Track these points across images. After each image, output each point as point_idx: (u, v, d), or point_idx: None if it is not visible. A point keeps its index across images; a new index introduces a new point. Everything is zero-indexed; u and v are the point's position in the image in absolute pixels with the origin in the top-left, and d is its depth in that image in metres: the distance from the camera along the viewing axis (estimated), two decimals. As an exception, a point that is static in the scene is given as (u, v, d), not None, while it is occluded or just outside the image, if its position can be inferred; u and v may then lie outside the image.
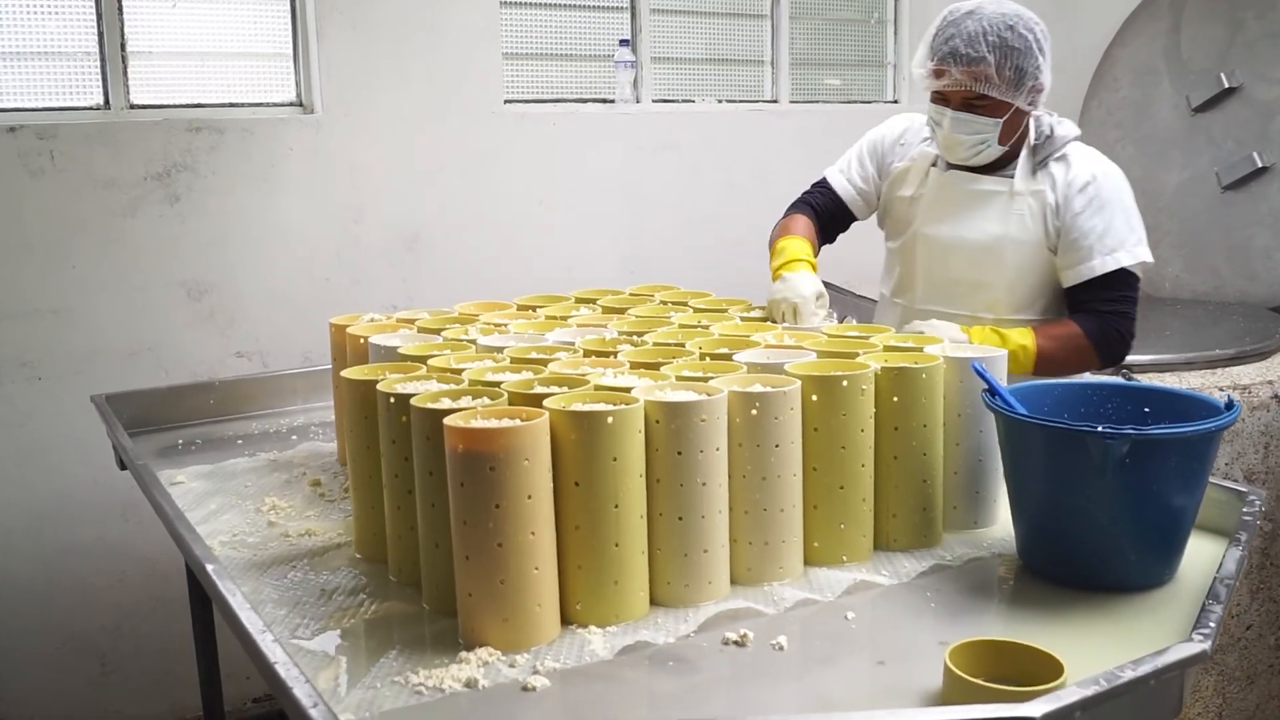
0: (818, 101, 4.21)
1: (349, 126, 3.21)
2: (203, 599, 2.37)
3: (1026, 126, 2.24)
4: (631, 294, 2.46)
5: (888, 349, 1.78)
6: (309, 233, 3.19)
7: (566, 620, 1.41)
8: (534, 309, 2.29)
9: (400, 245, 3.32)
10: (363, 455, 1.66)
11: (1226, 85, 3.77)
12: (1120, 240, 2.18)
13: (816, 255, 2.41)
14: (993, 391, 1.61)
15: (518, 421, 1.36)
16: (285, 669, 1.20)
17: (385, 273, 3.30)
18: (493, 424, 1.35)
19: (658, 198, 3.74)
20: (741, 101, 4.04)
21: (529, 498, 1.34)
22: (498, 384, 1.55)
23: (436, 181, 3.36)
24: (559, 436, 1.38)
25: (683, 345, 1.84)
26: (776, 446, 1.52)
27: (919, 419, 1.64)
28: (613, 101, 3.73)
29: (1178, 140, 3.89)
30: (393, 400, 1.52)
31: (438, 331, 2.03)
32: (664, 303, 2.33)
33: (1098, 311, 2.19)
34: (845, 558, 1.60)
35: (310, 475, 2.08)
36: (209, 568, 1.51)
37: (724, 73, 4.08)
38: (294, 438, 2.37)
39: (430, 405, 1.45)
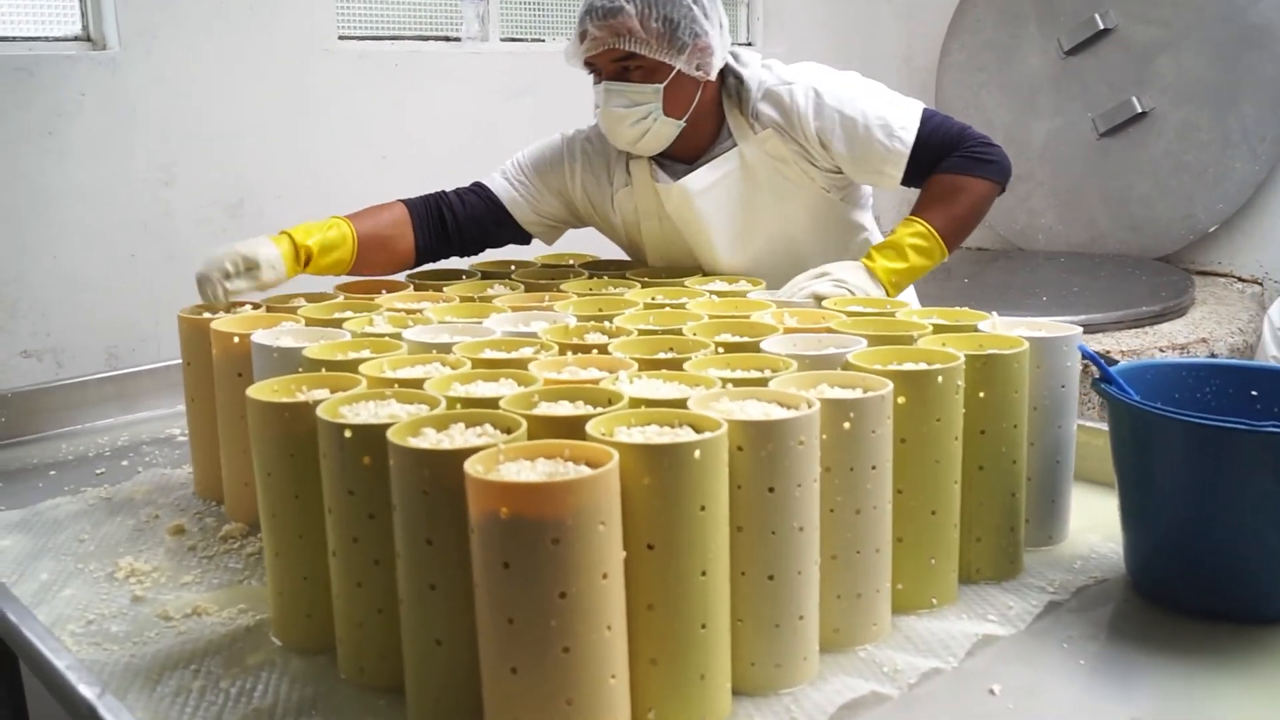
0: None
1: (152, 67, 2.59)
2: None
3: (714, 96, 1.89)
4: (543, 264, 2.02)
5: (939, 329, 1.45)
6: (107, 199, 2.56)
7: (635, 736, 1.00)
8: (436, 288, 1.82)
9: (221, 212, 2.74)
10: (288, 509, 1.17)
11: (1101, 26, 3.66)
12: (890, 113, 1.83)
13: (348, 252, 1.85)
14: (1106, 379, 1.30)
15: (584, 469, 0.93)
16: None
17: (205, 246, 2.67)
18: (551, 475, 0.92)
19: (513, 149, 3.27)
20: (599, 42, 3.61)
21: (604, 578, 0.91)
22: (491, 402, 1.11)
23: (262, 133, 2.79)
24: (625, 483, 0.96)
25: (682, 333, 1.45)
26: (873, 469, 1.15)
27: (1009, 419, 1.32)
28: (459, 40, 3.22)
29: (1048, 85, 3.76)
30: (348, 434, 1.05)
31: (332, 323, 1.55)
32: (595, 275, 1.92)
33: (943, 157, 1.84)
34: (934, 600, 1.26)
35: (166, 519, 1.55)
36: (84, 691, 1.00)
37: (574, 9, 3.64)
38: (124, 463, 1.81)
39: (423, 445, 0.99)
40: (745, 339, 1.43)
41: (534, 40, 3.46)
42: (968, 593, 1.30)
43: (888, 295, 1.78)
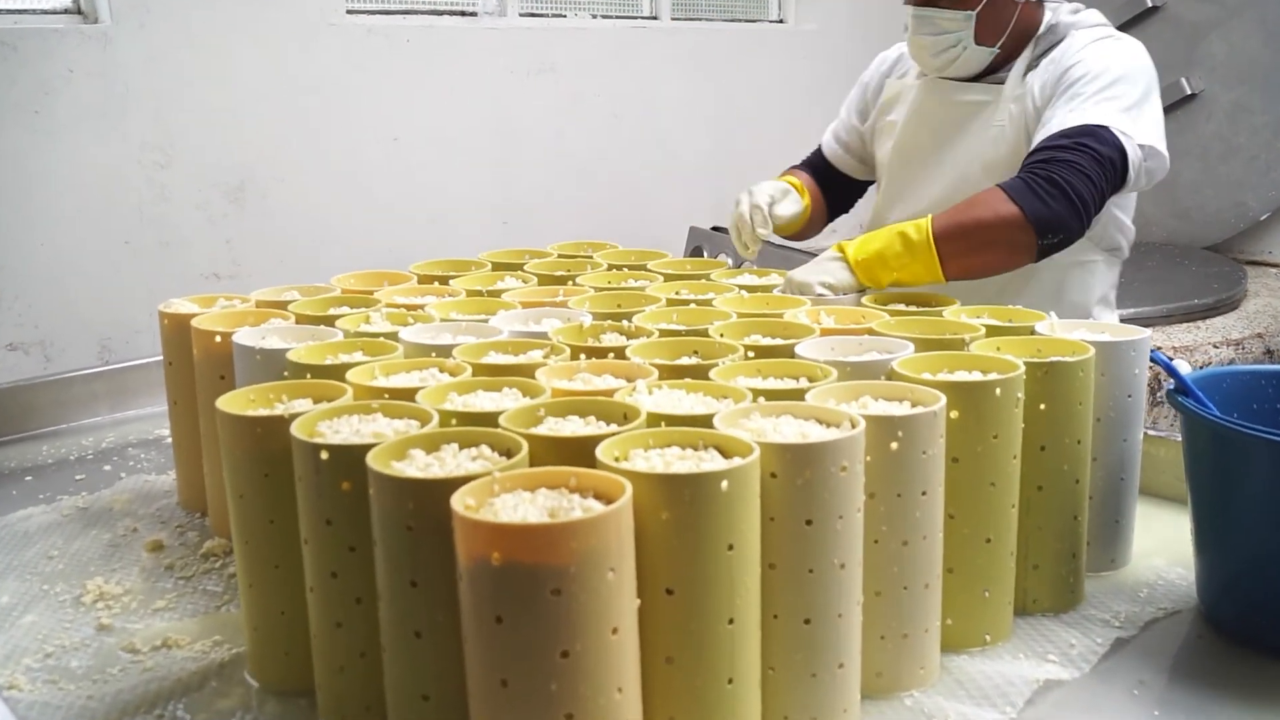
0: (699, 19, 3.69)
1: (146, 41, 2.46)
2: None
3: (1030, 19, 1.75)
4: (560, 255, 1.88)
5: (993, 331, 1.31)
6: (99, 182, 2.44)
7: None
8: (442, 280, 1.69)
9: (221, 196, 2.61)
10: (263, 536, 1.04)
11: (1149, 4, 3.47)
12: (1099, 98, 1.61)
13: (809, 200, 1.91)
14: (1183, 390, 1.16)
15: (591, 503, 0.79)
16: None
17: (203, 232, 2.58)
18: (553, 511, 0.79)
19: (533, 131, 3.15)
20: (619, 17, 3.46)
21: (614, 633, 0.78)
22: (489, 418, 0.98)
23: (264, 113, 2.66)
24: (640, 518, 0.83)
25: (708, 335, 1.31)
26: (923, 494, 1.01)
27: (1073, 434, 1.17)
28: (475, 14, 3.08)
29: (1092, 67, 3.57)
30: (324, 455, 0.92)
31: (325, 320, 1.42)
32: (614, 267, 1.78)
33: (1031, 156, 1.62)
34: (988, 637, 1.12)
35: (144, 533, 1.44)
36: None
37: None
38: (106, 468, 1.69)
39: (408, 472, 0.86)
40: (777, 341, 1.29)
41: (554, 15, 3.31)
42: (1024, 627, 1.17)
43: (857, 282, 1.56)
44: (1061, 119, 1.62)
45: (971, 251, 1.56)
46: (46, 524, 1.46)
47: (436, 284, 1.67)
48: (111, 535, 1.43)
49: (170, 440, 1.76)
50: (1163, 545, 1.34)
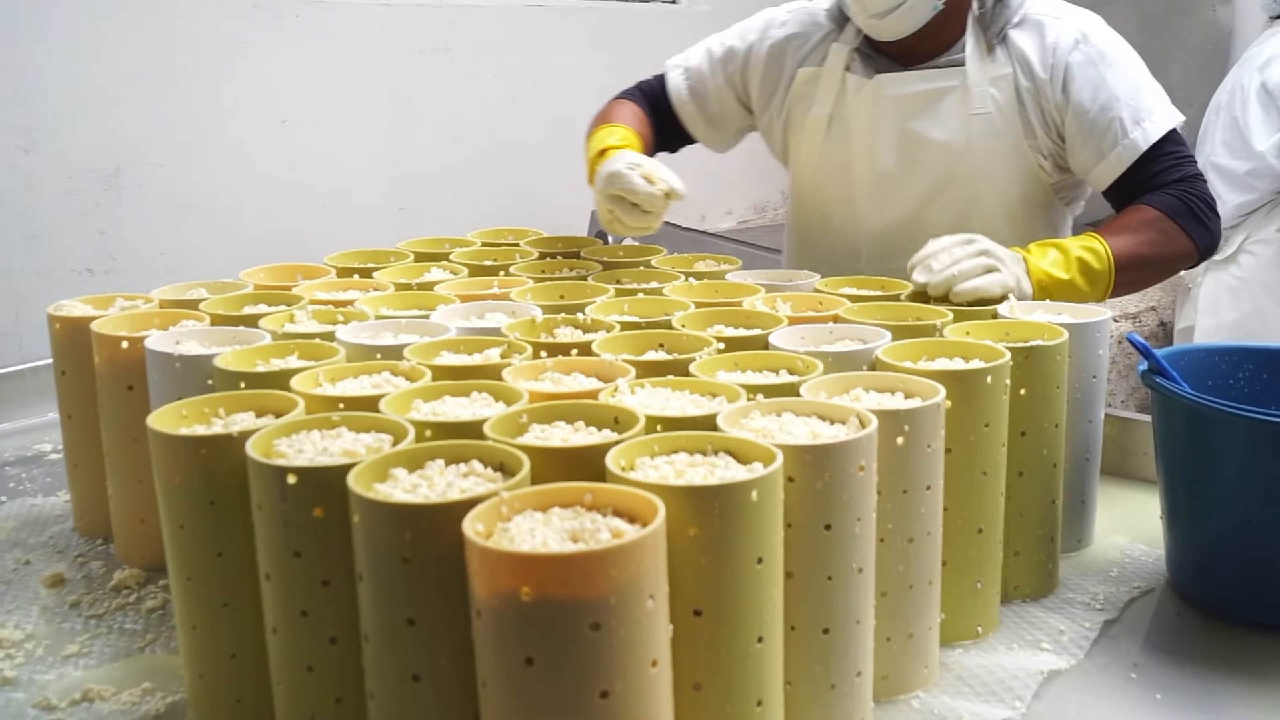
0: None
1: (5, 12, 2.22)
2: None
3: None
4: (485, 244, 1.78)
5: (961, 315, 1.28)
6: (-50, 168, 2.20)
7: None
8: (362, 273, 1.57)
9: (95, 183, 2.40)
10: (209, 571, 0.93)
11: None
12: (1149, 104, 1.58)
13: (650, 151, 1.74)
14: (1158, 371, 1.15)
15: (616, 523, 0.72)
16: None
17: (75, 223, 2.37)
18: (575, 533, 0.71)
19: (428, 112, 3.01)
20: (514, -6, 3.35)
21: (654, 665, 0.71)
22: (473, 428, 0.89)
23: (142, 93, 2.45)
24: (666, 536, 0.76)
25: (671, 325, 1.24)
26: (927, 489, 0.97)
27: (1051, 418, 1.15)
28: (364, -12, 2.92)
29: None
30: (292, 480, 0.82)
31: (243, 320, 1.29)
32: (546, 255, 1.69)
33: (1163, 188, 1.57)
34: (980, 629, 1.10)
35: (39, 566, 1.28)
36: None
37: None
38: (-16, 491, 1.52)
39: (403, 497, 0.77)
40: (745, 332, 1.23)
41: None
42: (1008, 615, 1.15)
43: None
44: (1142, 133, 1.56)
45: (1142, 282, 1.58)
46: (-76, 560, 1.30)
47: (356, 276, 1.55)
48: (2, 571, 1.27)
49: (55, 454, 1.61)
50: (1122, 524, 1.35)
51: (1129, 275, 1.51)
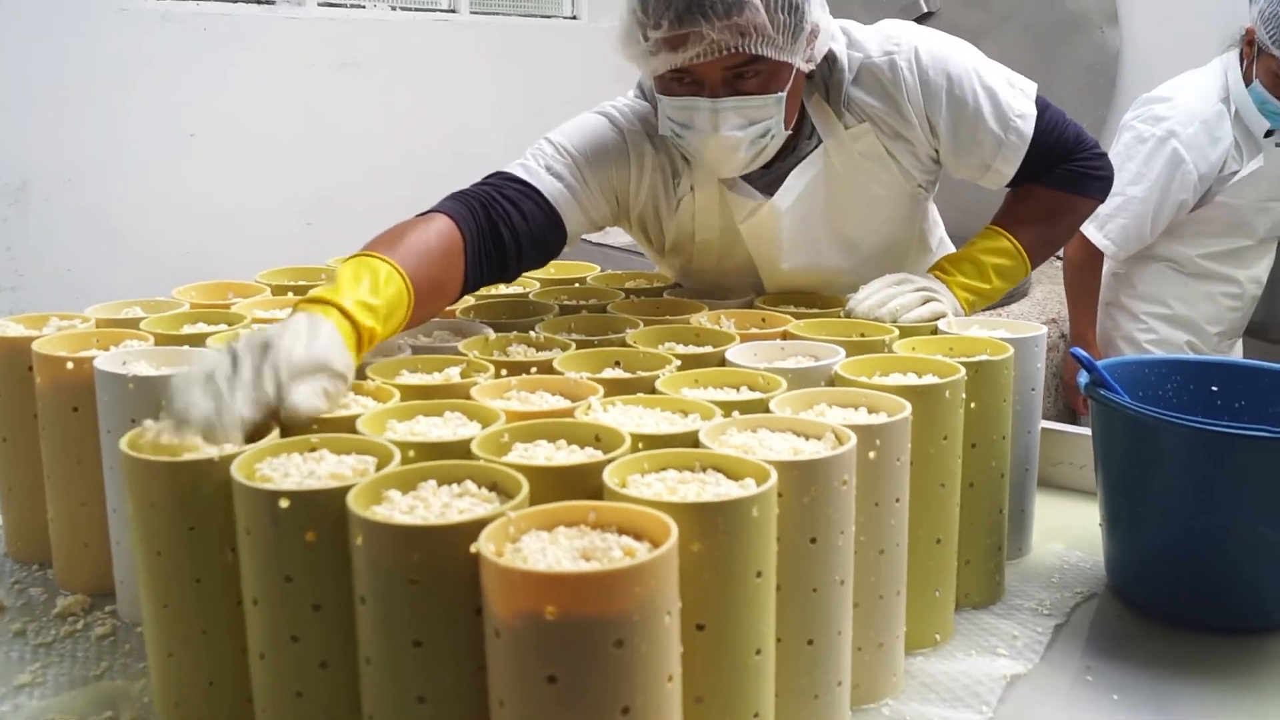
0: (498, 14, 3.59)
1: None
2: None
3: (800, 84, 1.44)
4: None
5: (904, 331, 1.33)
6: None
7: None
8: (297, 290, 1.55)
9: (0, 199, 2.29)
10: (186, 598, 0.91)
11: (925, 9, 3.66)
12: (1007, 99, 1.50)
13: (410, 312, 1.21)
14: (1101, 383, 1.21)
15: (628, 542, 0.73)
16: None
17: (-26, 238, 2.27)
18: (587, 551, 0.72)
19: (337, 126, 2.97)
20: (419, 10, 3.32)
21: (669, 680, 0.72)
22: (460, 448, 0.90)
23: (49, 107, 2.37)
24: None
25: (627, 343, 1.26)
26: (897, 501, 1.01)
27: (998, 429, 1.20)
28: (273, 2, 2.87)
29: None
30: (284, 504, 0.81)
31: (187, 340, 1.27)
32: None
33: (1052, 168, 1.56)
34: (938, 636, 1.14)
35: (-24, 594, 1.23)
36: None
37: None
38: (-100, 519, 1.44)
39: (407, 519, 0.77)
40: (695, 349, 1.26)
41: (354, 6, 3.13)
42: (961, 622, 1.19)
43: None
44: (1013, 137, 1.51)
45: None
46: None
47: (292, 294, 1.53)
48: (-68, 601, 1.22)
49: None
50: (1057, 531, 1.41)
51: (1043, 253, 1.60)
